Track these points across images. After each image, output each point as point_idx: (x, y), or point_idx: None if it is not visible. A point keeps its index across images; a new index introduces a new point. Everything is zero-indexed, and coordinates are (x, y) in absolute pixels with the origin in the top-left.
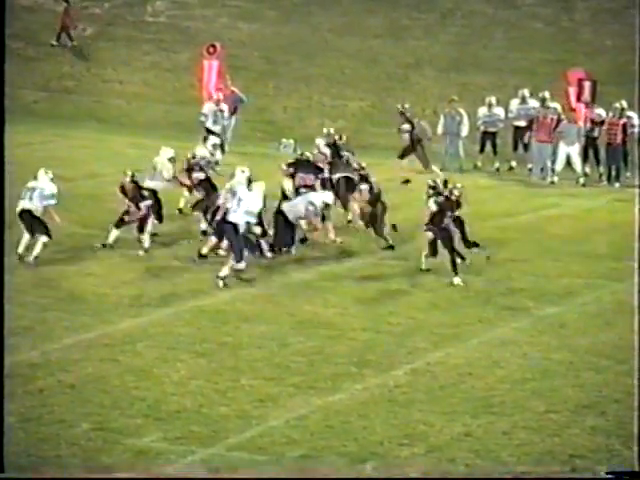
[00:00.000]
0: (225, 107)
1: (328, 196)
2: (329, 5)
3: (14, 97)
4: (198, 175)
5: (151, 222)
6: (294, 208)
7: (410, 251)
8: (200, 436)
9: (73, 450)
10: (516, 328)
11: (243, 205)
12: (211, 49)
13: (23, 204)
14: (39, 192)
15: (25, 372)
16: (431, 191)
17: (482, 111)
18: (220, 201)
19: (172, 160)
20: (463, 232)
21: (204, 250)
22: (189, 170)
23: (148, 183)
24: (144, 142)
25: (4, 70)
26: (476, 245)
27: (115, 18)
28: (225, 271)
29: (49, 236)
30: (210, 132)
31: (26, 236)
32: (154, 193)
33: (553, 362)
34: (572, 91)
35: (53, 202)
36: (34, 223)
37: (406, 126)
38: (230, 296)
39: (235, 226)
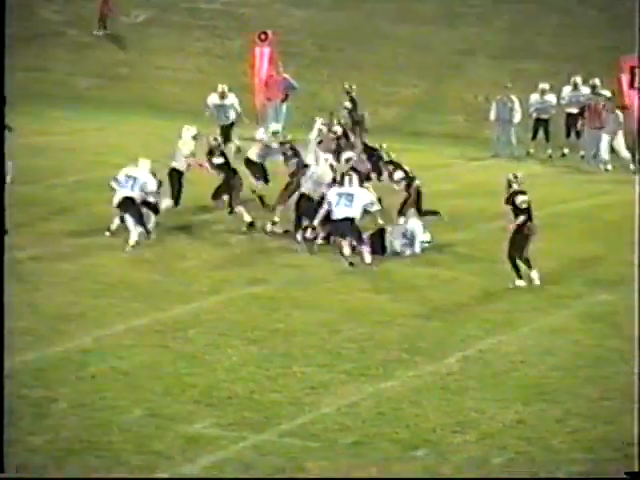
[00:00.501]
0: (233, 101)
1: (427, 236)
2: None
3: (67, 84)
4: (217, 160)
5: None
6: (392, 235)
7: (463, 238)
8: (252, 422)
9: (125, 436)
10: (568, 315)
11: (356, 200)
12: (263, 36)
13: (125, 192)
14: (141, 185)
15: (77, 358)
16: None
17: (534, 98)
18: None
19: (195, 138)
20: (419, 201)
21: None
22: (210, 153)
23: (173, 164)
24: (197, 129)
25: (4, 66)
26: (434, 213)
27: (168, 5)
28: (368, 258)
29: (143, 225)
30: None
31: (117, 221)
32: (179, 174)
33: (605, 349)
34: (624, 78)
35: (152, 200)
36: (134, 212)
37: (348, 104)
38: (282, 283)
39: (352, 220)
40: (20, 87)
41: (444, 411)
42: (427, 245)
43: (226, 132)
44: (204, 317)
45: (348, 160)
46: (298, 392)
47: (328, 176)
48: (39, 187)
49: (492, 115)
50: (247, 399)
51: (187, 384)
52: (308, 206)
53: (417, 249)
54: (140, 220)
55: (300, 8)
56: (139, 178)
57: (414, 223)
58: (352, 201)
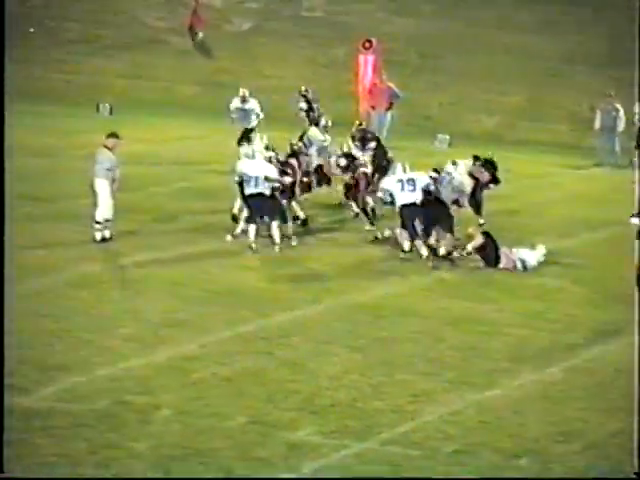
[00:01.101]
0: (254, 105)
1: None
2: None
3: (171, 91)
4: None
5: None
6: (509, 256)
7: (568, 246)
8: (354, 430)
9: (228, 443)
10: None
11: (418, 183)
12: (367, 44)
13: (252, 190)
14: (262, 179)
15: (181, 365)
16: None
17: (638, 106)
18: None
19: (267, 147)
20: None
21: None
22: (295, 155)
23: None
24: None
25: (4, 69)
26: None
27: (272, 13)
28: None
29: (284, 220)
30: (248, 131)
31: (244, 225)
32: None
33: None
34: None
35: (276, 185)
36: (270, 207)
37: (304, 105)
38: (385, 291)
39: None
40: (123, 94)
41: (548, 420)
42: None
43: (247, 136)
44: (308, 324)
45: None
46: (400, 400)
47: (469, 184)
48: (143, 194)
49: (596, 124)
50: (349, 407)
51: (290, 391)
52: (441, 212)
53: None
54: (279, 213)
55: (402, 16)
56: (258, 176)
57: (525, 254)
58: (414, 185)
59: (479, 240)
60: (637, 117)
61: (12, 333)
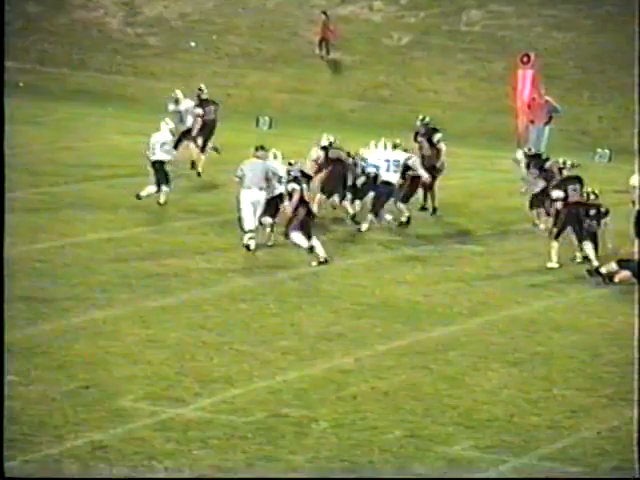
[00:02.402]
0: (188, 105)
1: None
2: None
3: (330, 105)
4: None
5: None
6: None
7: None
8: (511, 445)
9: (385, 457)
10: None
11: None
12: (525, 58)
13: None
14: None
15: (338, 378)
16: None
17: None
18: None
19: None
20: None
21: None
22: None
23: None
24: (457, 151)
25: (3, 70)
26: None
27: (430, 27)
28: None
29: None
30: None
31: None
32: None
33: None
34: None
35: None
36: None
37: (199, 110)
38: (542, 305)
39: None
40: (282, 108)
41: None
42: None
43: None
44: (464, 339)
45: None
46: (558, 415)
47: None
48: None
49: None
50: (506, 422)
51: (447, 406)
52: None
53: None
54: None
55: (561, 31)
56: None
57: None
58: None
59: (623, 274)
60: None
61: (170, 345)
